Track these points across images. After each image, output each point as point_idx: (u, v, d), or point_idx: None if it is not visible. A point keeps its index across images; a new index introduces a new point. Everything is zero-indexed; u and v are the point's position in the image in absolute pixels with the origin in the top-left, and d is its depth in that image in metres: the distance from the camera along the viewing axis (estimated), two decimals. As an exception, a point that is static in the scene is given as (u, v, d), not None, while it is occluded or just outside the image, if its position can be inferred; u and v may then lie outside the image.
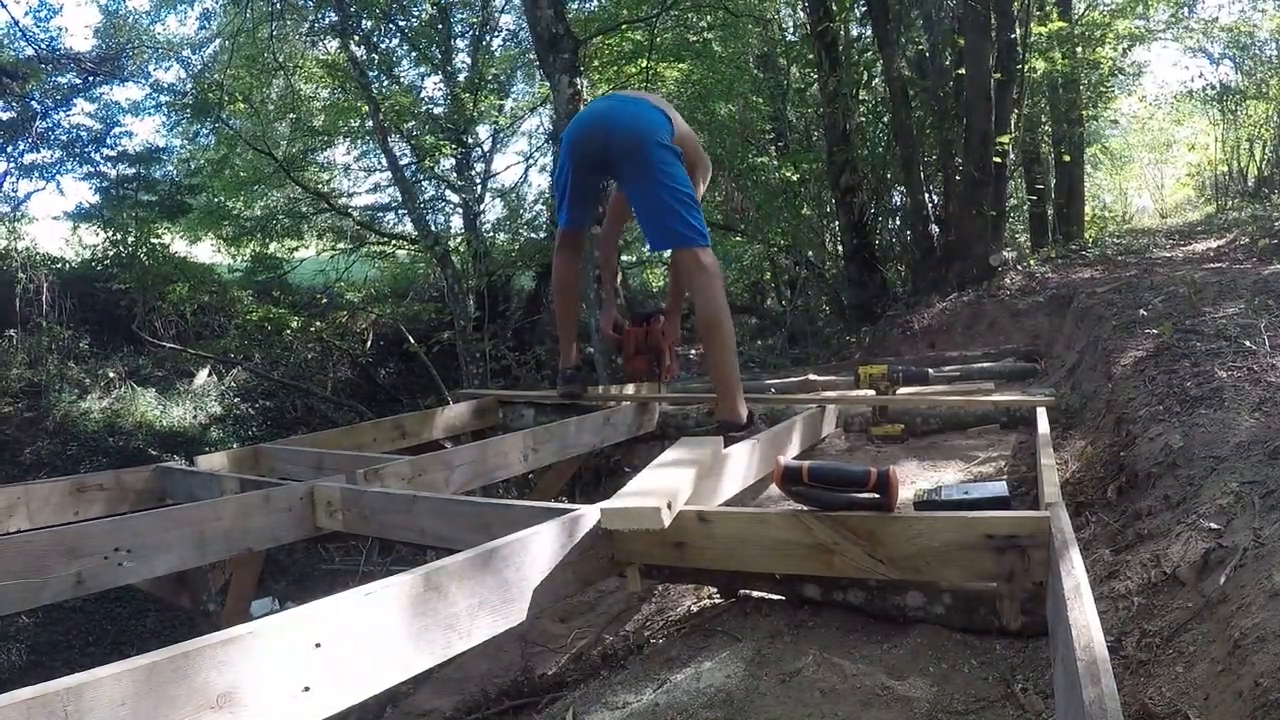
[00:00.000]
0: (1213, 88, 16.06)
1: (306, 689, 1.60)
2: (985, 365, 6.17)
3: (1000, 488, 2.70)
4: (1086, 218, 13.69)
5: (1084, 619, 1.48)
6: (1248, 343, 3.20)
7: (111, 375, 13.73)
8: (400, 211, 17.99)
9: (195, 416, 13.68)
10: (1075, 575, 1.69)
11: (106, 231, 15.03)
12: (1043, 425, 3.53)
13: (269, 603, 6.65)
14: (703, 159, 4.75)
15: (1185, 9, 15.73)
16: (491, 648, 2.92)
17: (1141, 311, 4.43)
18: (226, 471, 4.10)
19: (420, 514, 2.87)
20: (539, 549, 2.20)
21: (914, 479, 3.64)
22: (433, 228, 15.36)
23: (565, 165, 4.62)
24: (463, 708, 2.70)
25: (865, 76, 12.00)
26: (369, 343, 16.13)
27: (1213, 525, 2.08)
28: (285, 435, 9.75)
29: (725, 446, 3.39)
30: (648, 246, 4.36)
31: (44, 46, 14.84)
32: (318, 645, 1.63)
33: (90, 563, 2.75)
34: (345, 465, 3.77)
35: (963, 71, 9.41)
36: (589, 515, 2.40)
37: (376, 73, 15.02)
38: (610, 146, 4.24)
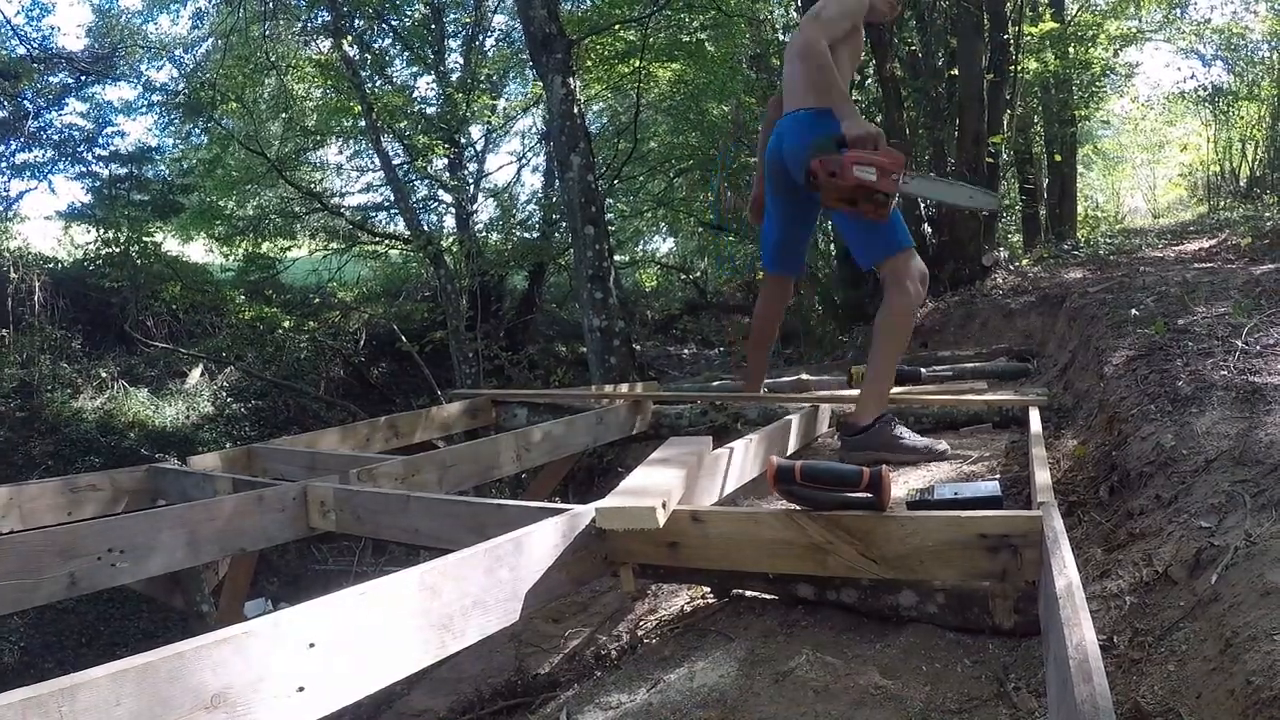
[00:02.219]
0: (1205, 89, 16.08)
1: (301, 689, 1.60)
2: (977, 365, 6.18)
3: (993, 487, 2.70)
4: (1079, 218, 13.72)
5: (1076, 618, 1.48)
6: (1238, 342, 3.21)
7: (104, 375, 13.71)
8: (393, 211, 17.96)
9: (188, 416, 13.66)
10: (1067, 574, 1.69)
11: (99, 231, 14.98)
12: (1035, 425, 3.54)
13: (262, 603, 6.63)
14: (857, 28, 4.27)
15: (1177, 10, 15.77)
16: (485, 648, 2.92)
17: (1134, 311, 4.44)
18: (220, 472, 4.10)
19: (414, 514, 2.88)
20: (533, 549, 2.21)
21: (906, 478, 3.65)
22: (425, 227, 15.33)
23: (767, 202, 4.64)
24: (457, 708, 2.70)
25: (857, 77, 12.01)
26: (362, 342, 16.09)
27: (1204, 524, 2.09)
28: (278, 435, 9.74)
29: (845, 447, 3.76)
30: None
31: (36, 46, 14.81)
32: (312, 645, 1.63)
33: (84, 563, 2.76)
34: (338, 465, 3.78)
35: (955, 72, 9.43)
36: (583, 515, 2.40)
37: (369, 72, 14.98)
38: (789, 170, 4.26)
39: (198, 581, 4.21)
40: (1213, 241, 8.26)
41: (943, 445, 3.91)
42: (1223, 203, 14.05)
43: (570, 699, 2.34)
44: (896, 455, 3.81)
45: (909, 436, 3.92)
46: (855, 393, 4.47)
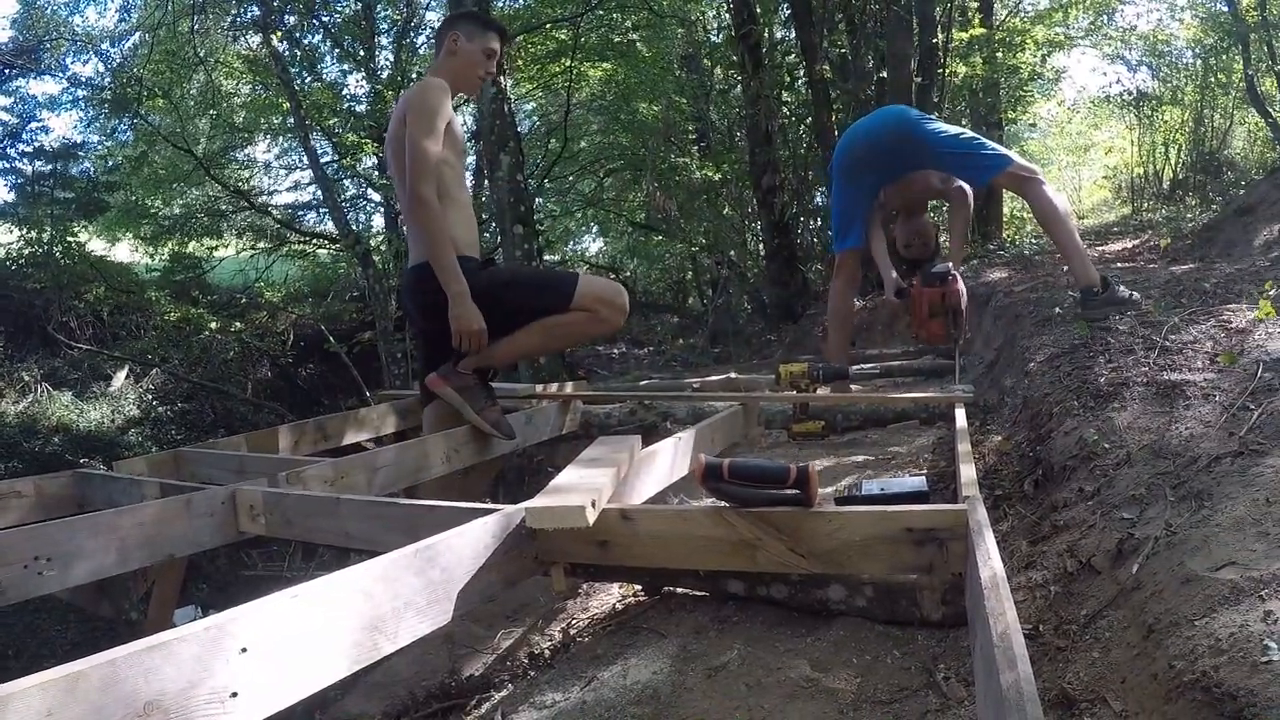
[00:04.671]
0: (1130, 93, 16.40)
1: (234, 695, 1.59)
2: (905, 363, 6.26)
3: (919, 482, 2.73)
4: (1004, 219, 13.92)
5: (1000, 607, 1.51)
6: (1159, 339, 3.28)
7: (26, 378, 13.40)
8: (321, 210, 17.80)
9: (113, 420, 13.39)
10: (992, 565, 1.72)
11: (21, 230, 14.69)
12: (961, 421, 3.58)
13: (192, 610, 6.54)
14: None
15: (1104, 17, 16.09)
16: (419, 650, 2.91)
17: (1057, 310, 4.52)
18: (147, 476, 4.04)
19: (345, 516, 2.86)
20: (464, 549, 2.20)
21: (834, 475, 3.68)
22: (354, 226, 15.21)
23: (843, 185, 5.09)
24: (391, 712, 2.67)
25: (788, 78, 12.09)
26: (289, 343, 15.85)
27: (1126, 515, 2.13)
28: (204, 438, 9.61)
29: (1089, 308, 4.10)
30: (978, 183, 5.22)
31: (-44, 39, 14.50)
32: (244, 650, 1.61)
33: (9, 572, 2.70)
34: (267, 468, 3.73)
35: (885, 75, 9.53)
36: (513, 515, 2.40)
37: (299, 69, 14.84)
38: (882, 146, 4.85)
39: (126, 589, 4.14)
40: (1135, 242, 8.43)
41: (1138, 296, 4.24)
42: (1145, 204, 14.32)
43: (504, 699, 2.33)
44: (1123, 308, 4.09)
45: (1123, 290, 4.25)
46: (784, 392, 4.51)
